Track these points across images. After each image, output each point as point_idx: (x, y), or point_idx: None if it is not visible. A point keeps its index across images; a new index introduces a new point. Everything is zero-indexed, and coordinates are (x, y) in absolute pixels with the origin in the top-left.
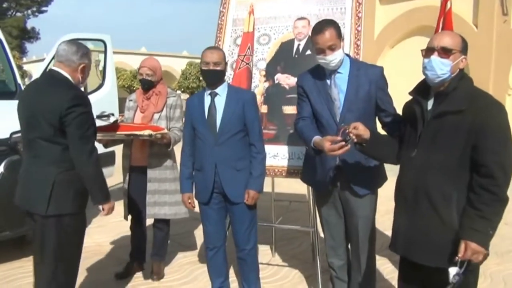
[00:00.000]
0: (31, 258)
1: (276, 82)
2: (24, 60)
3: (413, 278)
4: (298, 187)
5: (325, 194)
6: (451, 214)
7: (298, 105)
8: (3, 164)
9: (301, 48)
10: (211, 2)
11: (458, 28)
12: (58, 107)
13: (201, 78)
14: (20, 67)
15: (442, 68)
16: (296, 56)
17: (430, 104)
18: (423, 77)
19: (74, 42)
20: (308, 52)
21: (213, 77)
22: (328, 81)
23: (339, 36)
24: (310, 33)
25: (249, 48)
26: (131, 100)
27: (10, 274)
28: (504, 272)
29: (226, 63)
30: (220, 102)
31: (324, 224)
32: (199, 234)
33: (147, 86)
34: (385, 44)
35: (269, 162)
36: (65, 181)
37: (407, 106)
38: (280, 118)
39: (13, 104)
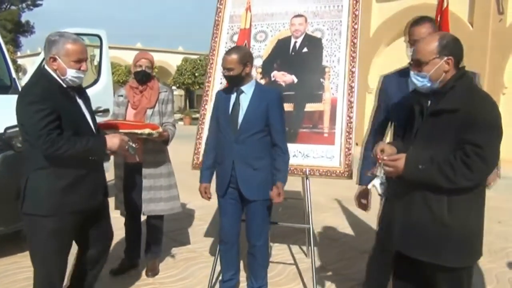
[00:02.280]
0: (26, 253)
1: (273, 79)
2: (18, 54)
3: (407, 274)
4: (293, 183)
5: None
6: (441, 209)
7: (374, 111)
8: None
9: (297, 45)
10: None
11: (454, 26)
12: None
13: (196, 74)
14: (14, 61)
15: (420, 80)
16: (293, 53)
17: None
18: None
19: (46, 39)
20: (305, 49)
21: (229, 82)
22: None
23: None
24: (307, 30)
25: (245, 45)
26: (121, 96)
27: (5, 269)
28: (497, 270)
29: (245, 64)
30: (245, 100)
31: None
32: (194, 230)
33: (145, 78)
34: (380, 42)
35: None
36: (36, 180)
37: (408, 105)
38: None
39: (7, 99)
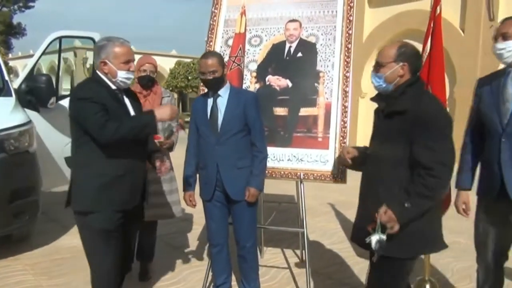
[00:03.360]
0: (18, 257)
1: (267, 83)
2: (10, 56)
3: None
4: (287, 188)
5: (491, 202)
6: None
7: (469, 113)
8: None
9: (292, 50)
10: (202, 2)
11: (445, 32)
12: None
13: (189, 77)
14: (5, 63)
15: (377, 80)
16: (287, 58)
17: None
18: None
19: (95, 45)
20: (299, 54)
21: (212, 85)
22: (503, 79)
23: None
24: (301, 35)
25: (240, 49)
26: None
27: None
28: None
29: (224, 66)
30: (222, 103)
31: (480, 239)
32: (189, 234)
33: (150, 83)
34: (373, 47)
35: None
36: (79, 178)
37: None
38: (271, 119)
39: (0, 101)
